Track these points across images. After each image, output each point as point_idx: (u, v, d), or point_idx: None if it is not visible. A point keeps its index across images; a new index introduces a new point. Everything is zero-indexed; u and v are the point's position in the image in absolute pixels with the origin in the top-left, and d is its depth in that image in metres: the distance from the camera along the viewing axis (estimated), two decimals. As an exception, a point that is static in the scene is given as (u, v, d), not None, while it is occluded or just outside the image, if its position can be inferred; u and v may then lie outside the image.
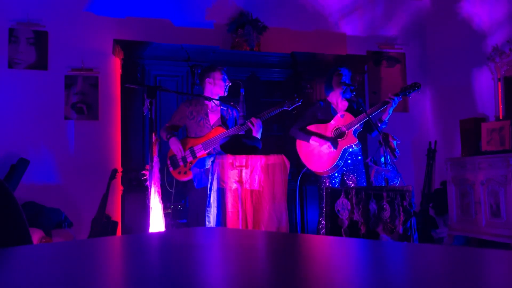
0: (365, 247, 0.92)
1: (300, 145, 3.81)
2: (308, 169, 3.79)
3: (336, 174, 3.72)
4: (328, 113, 3.77)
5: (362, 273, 0.65)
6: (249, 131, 3.44)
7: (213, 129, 3.50)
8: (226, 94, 3.61)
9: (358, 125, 3.66)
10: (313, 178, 4.35)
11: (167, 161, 3.51)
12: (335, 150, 3.65)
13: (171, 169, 3.49)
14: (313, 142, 3.71)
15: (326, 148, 3.66)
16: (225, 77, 3.58)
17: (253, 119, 3.40)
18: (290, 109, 3.56)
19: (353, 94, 3.70)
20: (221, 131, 3.47)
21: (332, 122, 3.72)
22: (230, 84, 3.61)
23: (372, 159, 3.51)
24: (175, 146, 3.46)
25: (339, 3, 5.81)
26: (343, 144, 3.66)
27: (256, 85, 5.04)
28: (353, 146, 3.67)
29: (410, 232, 2.96)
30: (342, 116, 3.70)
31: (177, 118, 3.61)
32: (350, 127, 3.65)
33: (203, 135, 3.50)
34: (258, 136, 3.43)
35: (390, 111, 3.63)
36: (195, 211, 3.44)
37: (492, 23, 5.18)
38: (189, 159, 3.45)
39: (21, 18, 4.74)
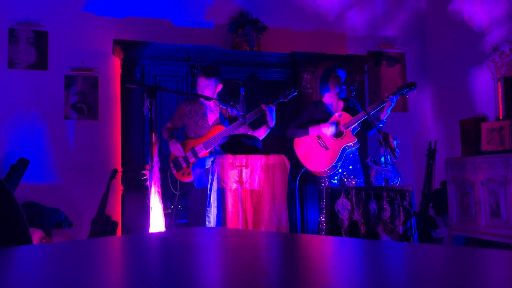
0: (365, 247, 0.92)
1: (298, 145, 3.78)
2: (307, 169, 3.78)
3: (335, 175, 3.71)
4: (324, 113, 3.77)
5: (362, 273, 0.65)
6: (258, 120, 3.45)
7: (212, 128, 3.51)
8: (215, 97, 3.54)
9: (356, 124, 3.66)
10: (312, 178, 4.35)
11: (170, 164, 3.51)
12: (334, 134, 3.64)
13: (174, 171, 3.49)
14: (313, 131, 3.67)
15: (329, 130, 3.62)
16: (207, 84, 3.47)
17: (264, 106, 3.42)
18: (286, 100, 3.57)
19: (353, 94, 3.70)
20: (221, 129, 3.47)
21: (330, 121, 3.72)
22: (213, 90, 3.51)
23: (372, 159, 3.51)
24: (174, 146, 3.46)
25: (339, 3, 5.81)
26: (342, 143, 3.65)
27: (256, 85, 5.04)
28: (352, 144, 3.67)
29: (410, 232, 2.96)
30: (340, 115, 3.70)
31: (177, 117, 3.63)
32: (348, 126, 3.64)
33: (202, 135, 3.50)
34: (273, 120, 3.44)
35: (389, 111, 3.64)
36: (194, 211, 3.44)
37: (491, 23, 5.18)
38: (191, 159, 3.46)
39: (21, 18, 4.74)
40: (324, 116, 3.74)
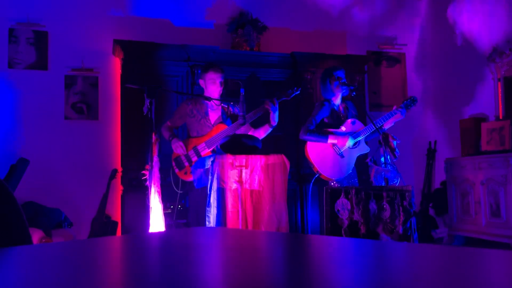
0: (365, 247, 0.92)
1: (313, 150, 3.65)
2: (318, 174, 3.65)
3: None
4: (335, 116, 3.71)
5: (362, 273, 0.65)
6: (261, 118, 3.45)
7: (214, 126, 3.51)
8: (219, 96, 3.56)
9: (369, 133, 3.66)
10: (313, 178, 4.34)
11: (172, 163, 3.51)
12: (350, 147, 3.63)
13: (176, 170, 3.49)
14: (332, 139, 3.59)
15: (347, 143, 3.58)
16: (216, 79, 3.51)
17: (267, 104, 3.39)
18: (289, 98, 3.57)
19: (353, 95, 3.69)
20: (223, 128, 3.47)
21: (342, 128, 3.66)
22: (223, 86, 3.56)
23: (372, 159, 3.51)
24: (176, 145, 3.46)
25: (339, 3, 5.81)
26: (356, 152, 3.65)
27: (256, 85, 5.04)
28: (366, 154, 3.68)
29: (410, 232, 2.96)
30: (353, 123, 3.67)
31: (177, 116, 3.63)
32: (363, 136, 3.66)
33: (204, 133, 3.51)
34: (276, 119, 3.43)
35: (393, 123, 3.65)
36: (194, 211, 3.44)
37: (492, 23, 5.18)
38: (194, 158, 3.45)
39: (21, 18, 4.74)
40: (335, 118, 3.70)
